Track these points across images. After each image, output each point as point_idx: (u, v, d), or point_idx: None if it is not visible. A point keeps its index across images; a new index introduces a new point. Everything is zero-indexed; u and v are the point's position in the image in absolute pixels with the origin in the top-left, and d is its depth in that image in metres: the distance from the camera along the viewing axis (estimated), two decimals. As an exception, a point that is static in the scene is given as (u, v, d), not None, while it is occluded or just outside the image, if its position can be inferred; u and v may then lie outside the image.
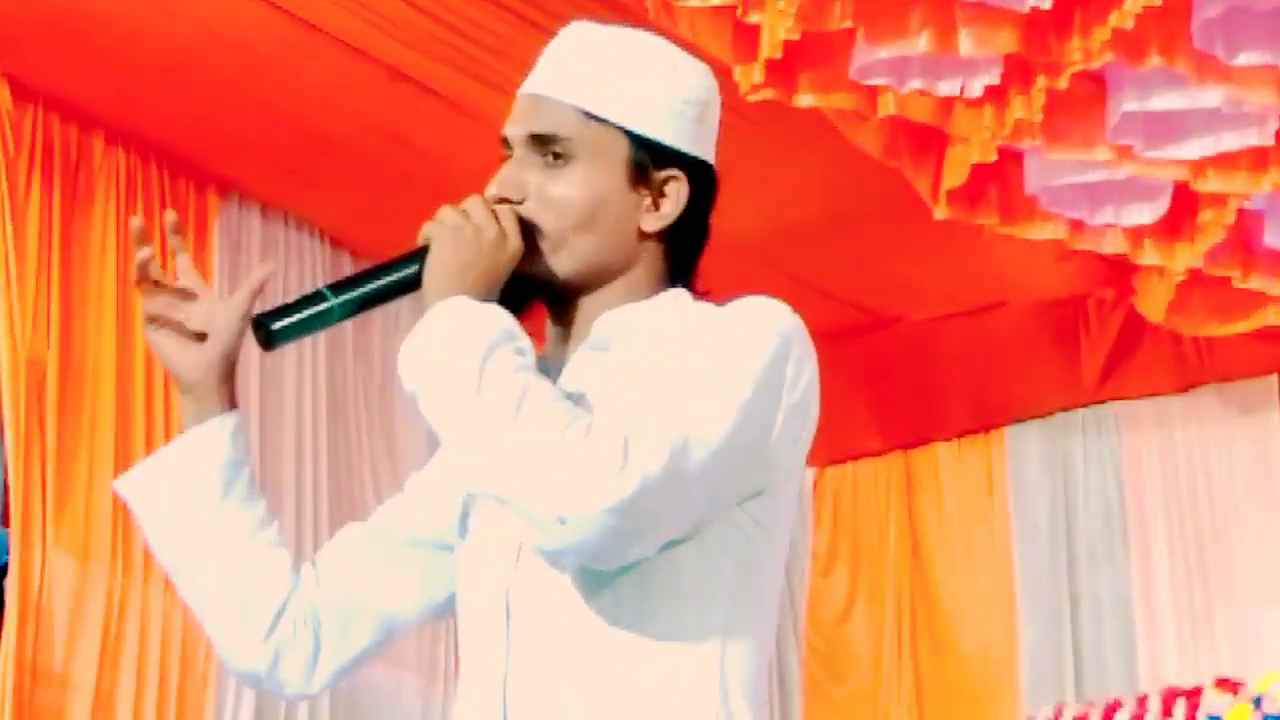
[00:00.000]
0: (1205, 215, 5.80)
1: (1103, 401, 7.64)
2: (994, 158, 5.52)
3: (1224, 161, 5.47)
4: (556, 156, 2.06)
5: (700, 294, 2.11)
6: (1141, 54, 4.99)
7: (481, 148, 7.08)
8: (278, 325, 1.96)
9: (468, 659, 2.03)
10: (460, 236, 2.02)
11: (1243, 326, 6.63)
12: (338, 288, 2.01)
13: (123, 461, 5.93)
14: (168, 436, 6.04)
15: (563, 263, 2.05)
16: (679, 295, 2.11)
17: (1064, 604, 7.58)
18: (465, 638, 2.05)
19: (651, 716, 1.92)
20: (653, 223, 2.08)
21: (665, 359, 1.94)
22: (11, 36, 5.54)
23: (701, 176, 2.12)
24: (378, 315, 6.91)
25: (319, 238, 6.72)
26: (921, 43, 4.94)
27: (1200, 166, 5.50)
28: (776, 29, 4.88)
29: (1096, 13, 4.88)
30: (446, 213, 2.05)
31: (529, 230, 2.05)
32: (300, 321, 1.98)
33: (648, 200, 2.08)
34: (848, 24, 4.90)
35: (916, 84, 5.19)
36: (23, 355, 5.72)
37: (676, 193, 2.09)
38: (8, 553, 5.70)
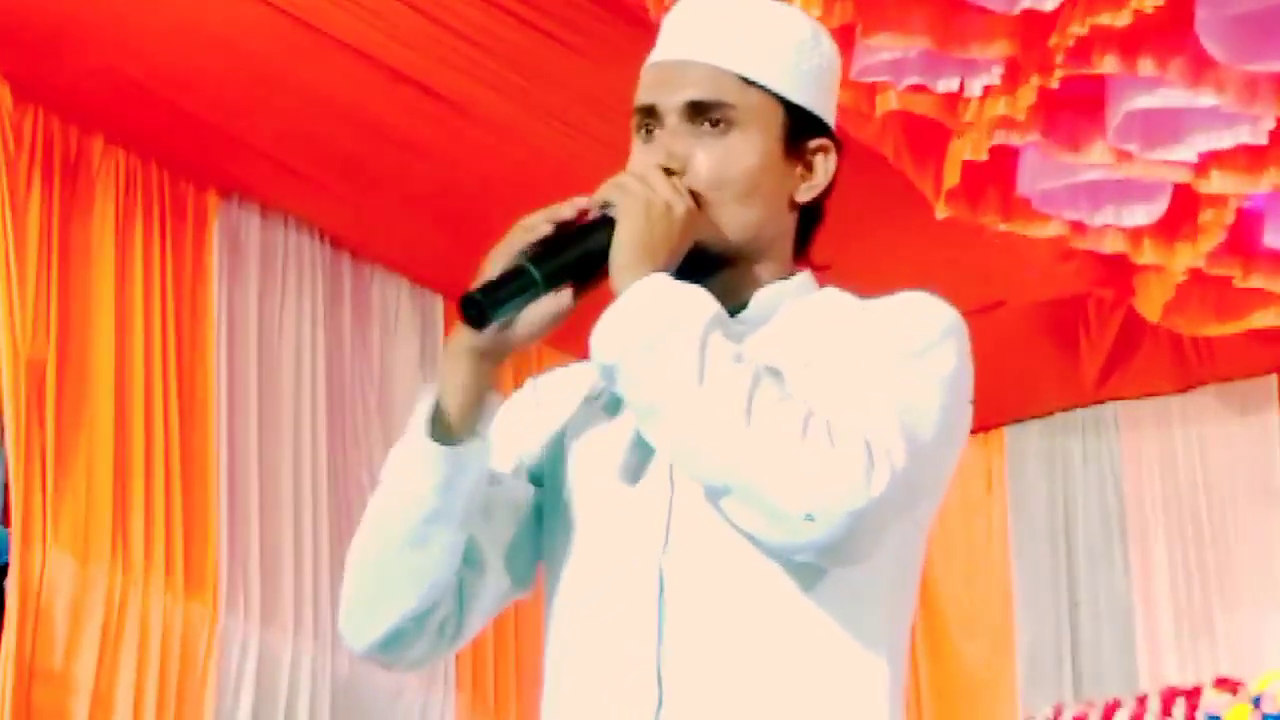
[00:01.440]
0: (1205, 215, 5.80)
1: (1102, 401, 7.63)
2: (985, 156, 5.52)
3: (1223, 161, 5.47)
4: (715, 124, 2.01)
5: (819, 269, 2.10)
6: (1138, 56, 4.99)
7: (481, 150, 7.12)
8: (491, 300, 1.92)
9: (594, 641, 1.95)
10: (651, 212, 1.94)
11: (1241, 326, 6.63)
12: (537, 260, 1.94)
13: (121, 461, 5.93)
14: (167, 436, 6.06)
15: (725, 234, 2.00)
16: (809, 278, 2.10)
17: (1063, 604, 7.57)
18: (587, 618, 1.96)
19: (822, 711, 1.88)
20: (805, 193, 2.05)
21: (858, 356, 1.92)
22: (12, 37, 5.55)
23: (834, 143, 2.08)
24: (376, 314, 6.95)
25: (319, 239, 6.72)
26: (922, 43, 4.94)
27: (1200, 167, 5.50)
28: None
29: (1088, 13, 4.88)
30: (631, 182, 1.97)
31: (696, 203, 2.00)
32: (510, 295, 1.93)
33: (800, 170, 2.05)
34: (848, 21, 4.90)
35: (913, 80, 5.20)
36: (23, 355, 5.72)
37: (825, 163, 2.06)
38: (8, 552, 5.70)
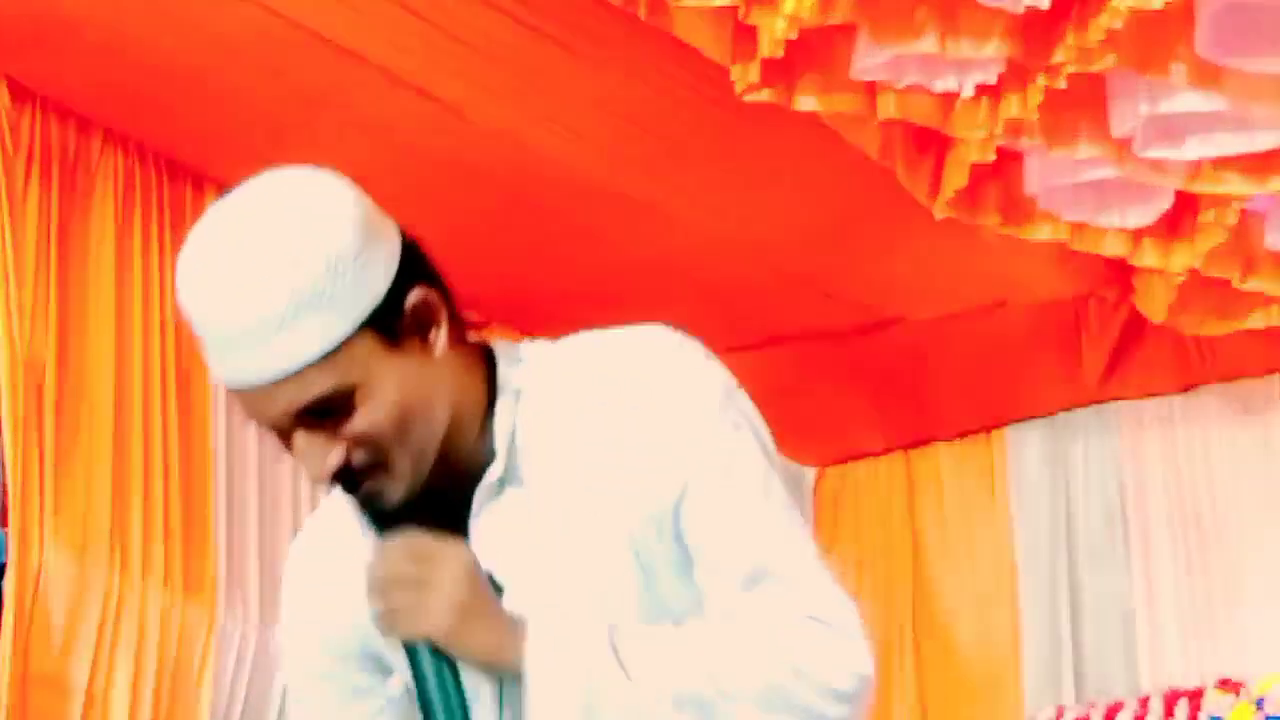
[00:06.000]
0: (1207, 216, 5.79)
1: (1104, 401, 7.61)
2: (992, 157, 5.50)
3: (1226, 164, 5.46)
4: (338, 408, 1.84)
5: (475, 325, 1.98)
6: (1144, 60, 4.97)
7: (480, 151, 7.11)
8: None
9: None
10: (461, 615, 1.83)
11: (1243, 326, 6.62)
12: None
13: (120, 461, 5.92)
14: (165, 437, 6.04)
15: (428, 461, 1.88)
16: (508, 368, 1.94)
17: (1065, 604, 7.56)
18: None
19: None
20: (439, 345, 1.90)
21: (702, 518, 1.88)
22: (10, 37, 5.53)
23: (410, 273, 1.91)
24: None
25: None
26: (925, 43, 4.92)
27: (1203, 168, 5.48)
28: (776, 29, 4.86)
29: (1094, 11, 4.86)
30: (408, 606, 1.83)
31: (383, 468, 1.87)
32: None
33: (416, 340, 1.89)
34: (848, 20, 4.88)
35: (913, 79, 5.18)
36: (21, 355, 5.70)
37: (430, 307, 1.91)
38: (5, 553, 5.68)
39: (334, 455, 1.85)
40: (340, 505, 1.99)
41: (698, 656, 1.82)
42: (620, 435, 1.89)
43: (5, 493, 5.75)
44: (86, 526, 5.80)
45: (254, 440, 6.37)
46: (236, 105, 5.87)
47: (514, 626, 1.83)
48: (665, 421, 1.89)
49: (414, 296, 1.90)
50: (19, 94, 5.80)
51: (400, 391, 1.86)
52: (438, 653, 1.83)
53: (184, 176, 6.27)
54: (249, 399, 1.86)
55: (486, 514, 1.92)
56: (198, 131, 6.06)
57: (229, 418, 6.30)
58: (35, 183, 5.84)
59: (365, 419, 1.85)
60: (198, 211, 6.31)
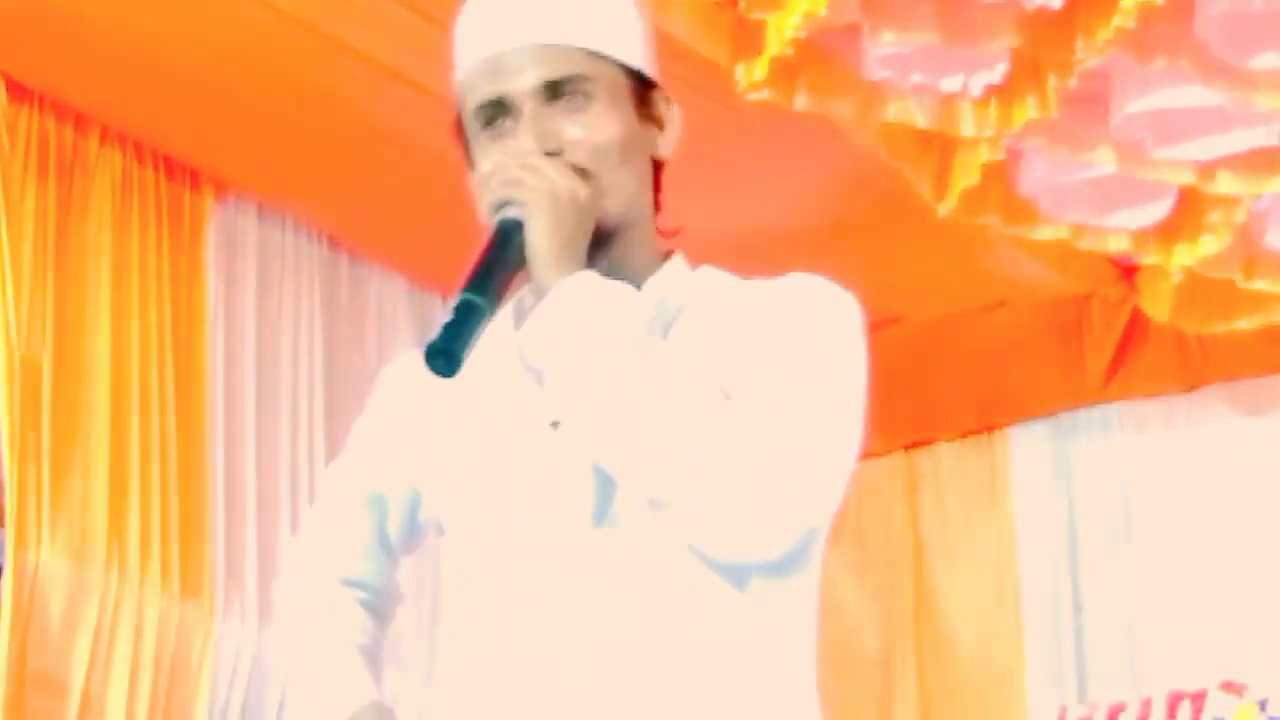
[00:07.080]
0: (1213, 216, 5.77)
1: (1107, 401, 7.60)
2: (1002, 156, 5.49)
3: (1231, 162, 5.44)
4: (575, 98, 2.04)
5: (671, 235, 2.13)
6: (1147, 53, 4.95)
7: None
8: (458, 344, 1.92)
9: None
10: (559, 203, 1.95)
11: (1245, 325, 6.61)
12: (474, 289, 1.94)
13: (117, 462, 5.90)
14: (163, 437, 6.03)
15: (609, 206, 2.04)
16: (682, 260, 2.13)
17: (1068, 605, 7.55)
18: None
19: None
20: (664, 148, 2.12)
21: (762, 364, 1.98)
22: (7, 34, 5.52)
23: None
24: (373, 314, 6.91)
25: (316, 239, 6.69)
26: (930, 39, 4.90)
27: (1207, 167, 5.47)
28: (787, 27, 4.84)
29: (1101, 11, 4.84)
30: (526, 176, 1.97)
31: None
32: (470, 330, 1.93)
33: (654, 129, 2.11)
34: (857, 18, 4.86)
35: (919, 78, 5.16)
36: (18, 355, 5.69)
37: (672, 114, 2.14)
38: (2, 554, 5.67)
39: (562, 134, 2.01)
40: None
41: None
42: (739, 313, 2.04)
43: (2, 494, 5.73)
44: (84, 528, 5.78)
45: (252, 440, 6.36)
46: (236, 104, 5.85)
47: (580, 258, 1.96)
48: (779, 309, 2.05)
49: (668, 101, 2.13)
50: (16, 91, 5.79)
51: (626, 129, 2.05)
52: (510, 239, 1.95)
53: (182, 175, 6.25)
54: (505, 63, 2.02)
55: None
56: (196, 130, 6.05)
57: (227, 417, 6.28)
58: (32, 181, 5.82)
59: (590, 122, 2.02)
60: (196, 211, 6.32)
